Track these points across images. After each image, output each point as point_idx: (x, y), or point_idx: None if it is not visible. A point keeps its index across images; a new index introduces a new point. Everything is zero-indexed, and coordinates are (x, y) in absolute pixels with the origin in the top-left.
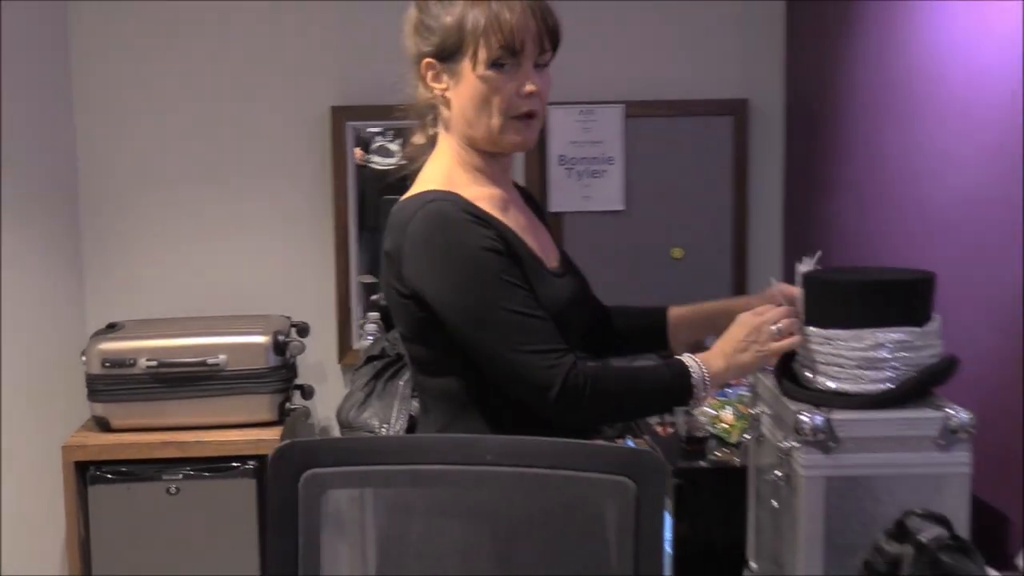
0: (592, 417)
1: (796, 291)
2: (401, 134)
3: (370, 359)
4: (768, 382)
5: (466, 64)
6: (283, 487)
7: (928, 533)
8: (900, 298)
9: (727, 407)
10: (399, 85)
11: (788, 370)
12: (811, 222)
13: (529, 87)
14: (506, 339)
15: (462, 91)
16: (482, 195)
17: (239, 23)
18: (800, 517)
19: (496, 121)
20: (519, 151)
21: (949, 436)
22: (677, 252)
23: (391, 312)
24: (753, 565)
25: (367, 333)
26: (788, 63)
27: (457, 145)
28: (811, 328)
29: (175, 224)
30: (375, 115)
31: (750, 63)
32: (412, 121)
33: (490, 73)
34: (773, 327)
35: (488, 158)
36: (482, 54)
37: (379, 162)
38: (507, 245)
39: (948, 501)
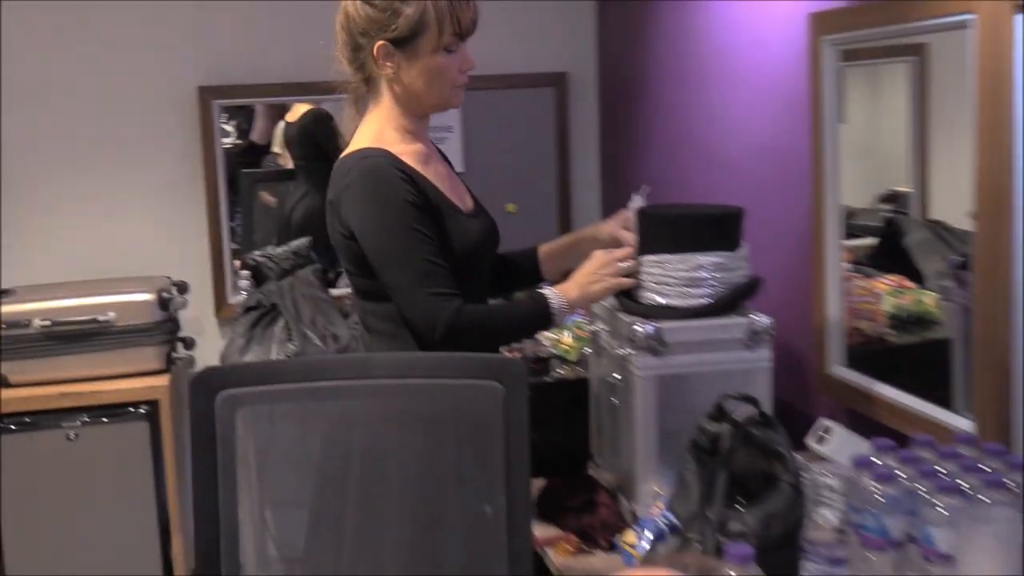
0: (471, 348)
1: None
2: (235, 116)
3: (248, 310)
4: (604, 302)
5: (423, 48)
6: (201, 407)
7: (741, 412)
8: (717, 228)
9: (566, 331)
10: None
11: (623, 291)
12: (624, 178)
13: (468, 64)
14: (409, 280)
15: (416, 69)
16: (408, 151)
17: (111, 10)
18: (636, 411)
19: (447, 92)
20: (455, 108)
21: (754, 338)
22: (511, 207)
23: (336, 251)
24: (597, 460)
25: (241, 289)
26: (600, 39)
27: (390, 111)
28: (643, 255)
29: (60, 197)
30: (238, 94)
31: (568, 39)
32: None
33: (444, 55)
34: (621, 264)
35: (416, 120)
36: (440, 41)
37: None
38: (425, 197)
39: (755, 390)
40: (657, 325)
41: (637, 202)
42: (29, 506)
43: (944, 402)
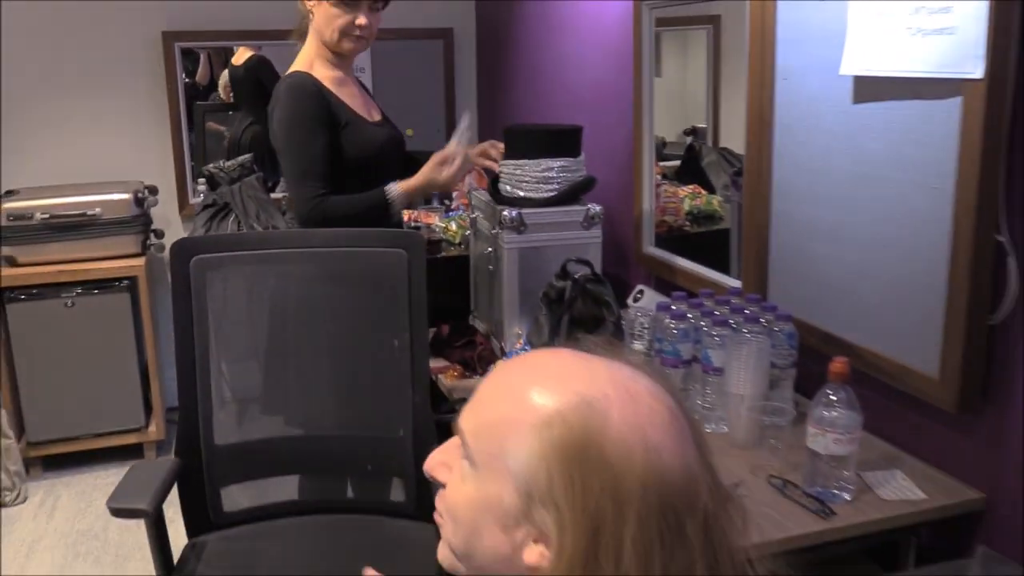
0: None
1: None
2: (184, 59)
3: (205, 207)
4: (481, 196)
5: None
6: (179, 269)
7: (579, 272)
8: (562, 140)
9: (452, 222)
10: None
11: (495, 188)
12: (497, 111)
13: (360, 21)
14: (293, 174)
15: (319, 13)
16: (327, 76)
17: None
18: (504, 275)
19: (336, 37)
20: (350, 55)
21: (590, 221)
22: (409, 131)
23: (276, 152)
24: (475, 313)
25: (199, 192)
26: (479, 1)
27: (315, 44)
28: (509, 160)
29: (53, 117)
30: (196, 38)
31: (453, 2)
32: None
33: (336, 6)
34: (457, 161)
35: (334, 55)
36: None
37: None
38: (331, 110)
39: (590, 258)
40: (519, 211)
41: (464, 122)
42: (37, 358)
43: (722, 269)
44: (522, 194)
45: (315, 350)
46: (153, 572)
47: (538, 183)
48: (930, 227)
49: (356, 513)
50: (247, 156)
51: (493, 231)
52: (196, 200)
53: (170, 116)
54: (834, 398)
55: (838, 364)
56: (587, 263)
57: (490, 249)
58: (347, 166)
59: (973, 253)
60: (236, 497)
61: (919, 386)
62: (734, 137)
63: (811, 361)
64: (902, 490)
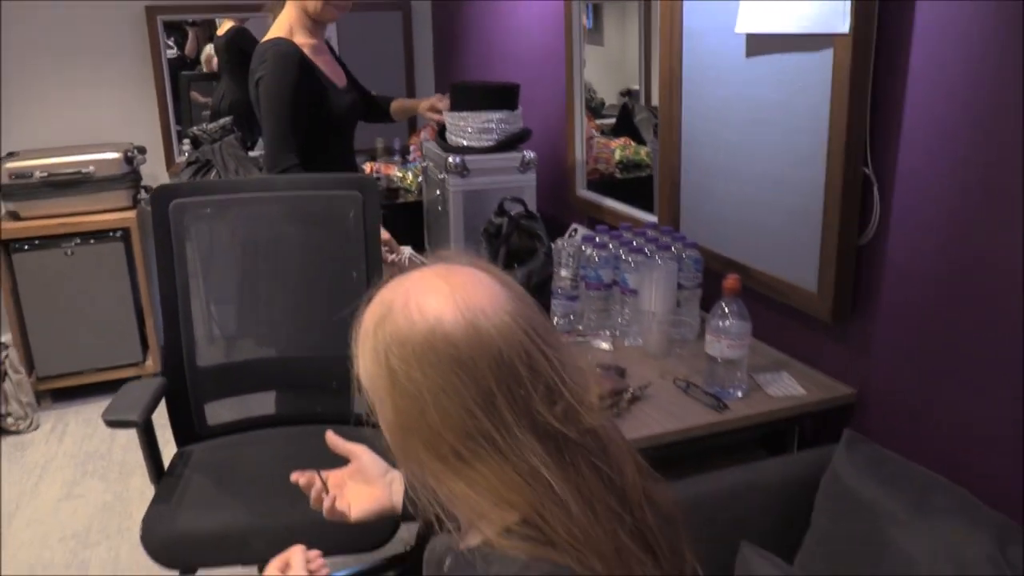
0: None
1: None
2: (172, 33)
3: (189, 164)
4: (432, 147)
5: None
6: (160, 213)
7: (514, 209)
8: (502, 95)
9: (409, 172)
10: None
11: (443, 138)
12: (451, 73)
13: None
14: (273, 141)
15: None
16: (306, 43)
17: None
18: (451, 214)
19: (320, 5)
20: (330, 22)
21: (525, 166)
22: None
23: (256, 114)
24: (427, 246)
25: (184, 151)
26: None
27: (298, 11)
28: (455, 112)
29: (50, 85)
30: (179, 12)
31: None
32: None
33: None
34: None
35: (311, 23)
36: None
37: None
38: (311, 76)
39: (526, 199)
40: (462, 157)
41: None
42: (43, 302)
43: (646, 209)
44: (465, 143)
45: (283, 282)
46: (151, 483)
47: (480, 133)
48: (809, 164)
49: (324, 424)
50: (227, 119)
51: (441, 177)
52: (181, 159)
53: (155, 84)
54: (727, 310)
55: (731, 280)
56: (521, 201)
57: (439, 192)
58: (316, 128)
59: (843, 185)
60: (218, 412)
61: (800, 300)
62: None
63: (716, 284)
64: (787, 388)
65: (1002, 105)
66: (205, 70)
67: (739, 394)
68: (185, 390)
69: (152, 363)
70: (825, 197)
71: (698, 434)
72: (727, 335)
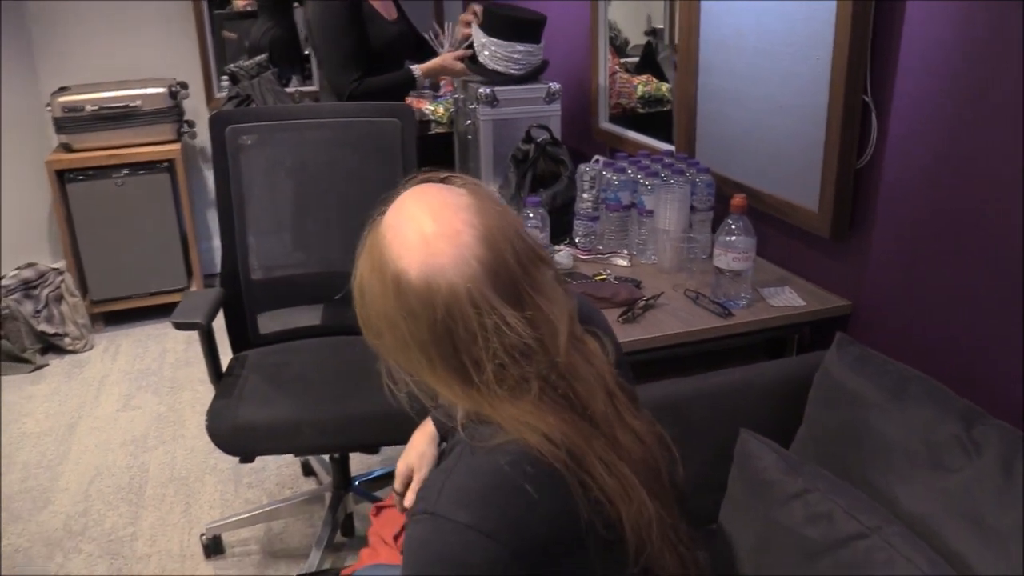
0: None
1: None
2: None
3: (230, 99)
4: (458, 82)
5: None
6: (218, 137)
7: (540, 136)
8: (529, 28)
9: (440, 106)
10: None
11: (474, 62)
12: None
13: None
14: (337, 61)
15: None
16: None
17: None
18: (481, 142)
19: None
20: None
21: (551, 97)
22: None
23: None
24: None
25: (223, 87)
26: None
27: None
28: (490, 37)
29: (96, 26)
30: None
31: None
32: None
33: None
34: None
35: None
36: None
37: None
38: (361, 11)
39: (551, 126)
40: (493, 88)
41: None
42: (95, 231)
43: (662, 138)
44: (491, 66)
45: (328, 201)
46: (202, 398)
47: (506, 61)
48: (813, 91)
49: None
50: (263, 56)
51: (472, 107)
52: (221, 95)
53: (195, 21)
54: (734, 226)
55: (737, 199)
56: (547, 128)
57: (470, 122)
58: (366, 57)
59: (844, 111)
60: (268, 322)
61: (802, 219)
62: None
63: (728, 207)
64: (788, 299)
65: (995, 29)
66: (237, 8)
67: (743, 304)
68: (240, 301)
69: (197, 288)
70: (827, 122)
71: (705, 337)
72: (733, 248)
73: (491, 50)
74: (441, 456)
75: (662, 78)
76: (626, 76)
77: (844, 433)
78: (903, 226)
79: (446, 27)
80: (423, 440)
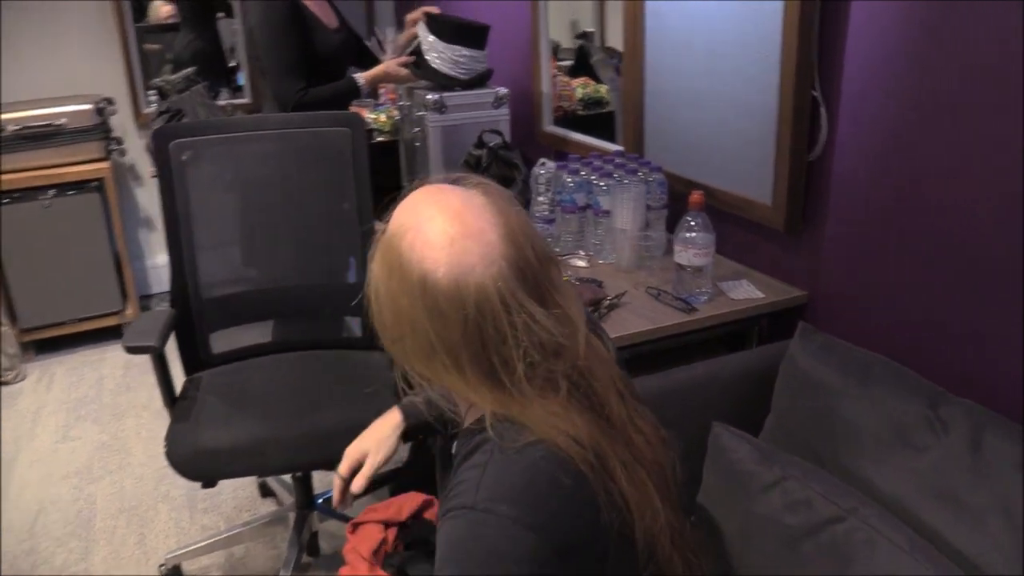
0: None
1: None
2: None
3: (161, 114)
4: (402, 89)
5: None
6: (162, 152)
7: (493, 141)
8: (474, 34)
9: (382, 114)
10: None
11: (417, 67)
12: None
13: None
14: (279, 71)
15: None
16: None
17: None
18: (431, 149)
19: None
20: None
21: (499, 101)
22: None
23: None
24: (405, 184)
25: (151, 102)
26: None
27: None
28: (436, 38)
29: (14, 39)
30: None
31: None
32: None
33: None
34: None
35: None
36: None
37: None
38: (301, 15)
39: (500, 129)
40: (441, 95)
41: (389, 35)
42: (23, 255)
43: (605, 139)
44: (436, 67)
45: (279, 215)
46: (148, 424)
47: (452, 64)
48: (763, 89)
49: (321, 349)
50: (190, 69)
51: (419, 114)
52: (148, 110)
53: (118, 34)
54: (693, 223)
55: (695, 195)
56: (499, 132)
57: (418, 129)
58: (309, 65)
59: (794, 107)
60: (222, 341)
61: (757, 213)
62: (616, 38)
63: (680, 205)
64: (747, 292)
65: (932, 28)
66: (158, 20)
67: (705, 299)
68: (191, 321)
69: (132, 311)
70: (778, 119)
71: (670, 333)
72: (693, 245)
73: (438, 51)
74: (451, 456)
75: (598, 80)
76: (565, 79)
77: (813, 420)
78: (855, 216)
79: (387, 33)
80: (386, 428)
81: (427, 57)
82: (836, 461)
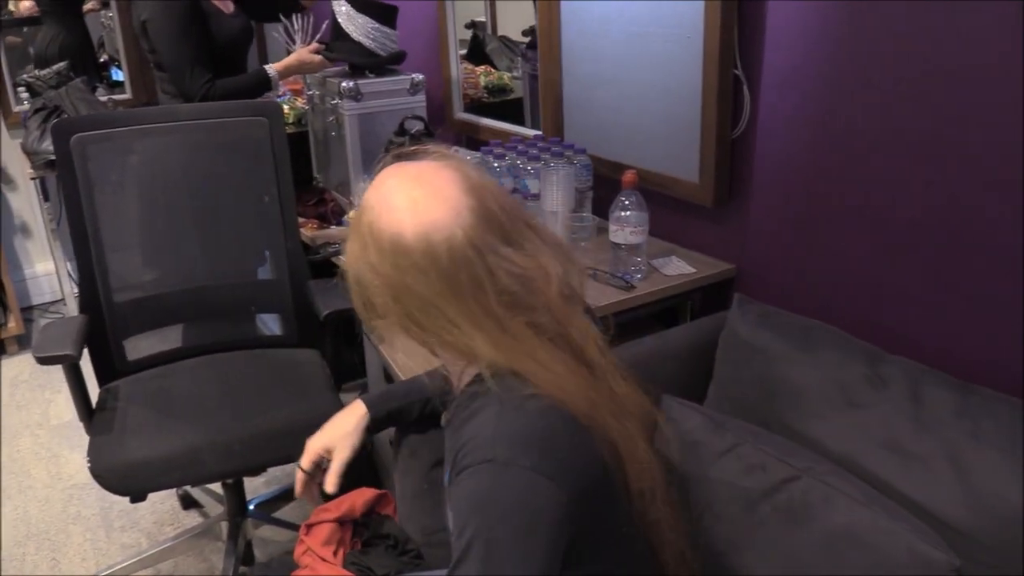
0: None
1: None
2: None
3: (37, 111)
4: (313, 79)
5: None
6: (62, 147)
7: (415, 127)
8: (384, 12)
9: (285, 105)
10: None
11: (329, 49)
12: None
13: None
14: (182, 64)
15: None
16: None
17: None
18: (348, 138)
19: None
20: None
21: (415, 87)
22: None
23: (139, 38)
24: (317, 176)
25: (23, 100)
26: None
27: None
28: (351, 8)
29: None
30: None
31: None
32: None
33: None
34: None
35: None
36: None
37: None
38: (197, 9)
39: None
40: (355, 81)
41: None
42: None
43: (521, 123)
44: (355, 38)
45: (194, 211)
46: (46, 443)
47: (365, 37)
48: (686, 69)
49: (245, 349)
50: (62, 64)
51: (334, 102)
52: (20, 108)
53: None
54: (627, 202)
55: (629, 174)
56: (421, 118)
57: (332, 119)
58: (207, 56)
59: (718, 86)
60: (136, 347)
61: (685, 191)
62: (508, 26)
63: (604, 187)
64: (678, 268)
65: (846, 5)
66: (17, 13)
67: (640, 276)
68: (103, 327)
69: (15, 324)
70: (702, 98)
71: (613, 311)
72: (628, 223)
73: (357, 24)
74: (448, 423)
75: (496, 68)
76: (469, 67)
77: (757, 386)
78: (777, 190)
79: (295, 21)
80: (349, 422)
81: (346, 29)
82: (783, 424)
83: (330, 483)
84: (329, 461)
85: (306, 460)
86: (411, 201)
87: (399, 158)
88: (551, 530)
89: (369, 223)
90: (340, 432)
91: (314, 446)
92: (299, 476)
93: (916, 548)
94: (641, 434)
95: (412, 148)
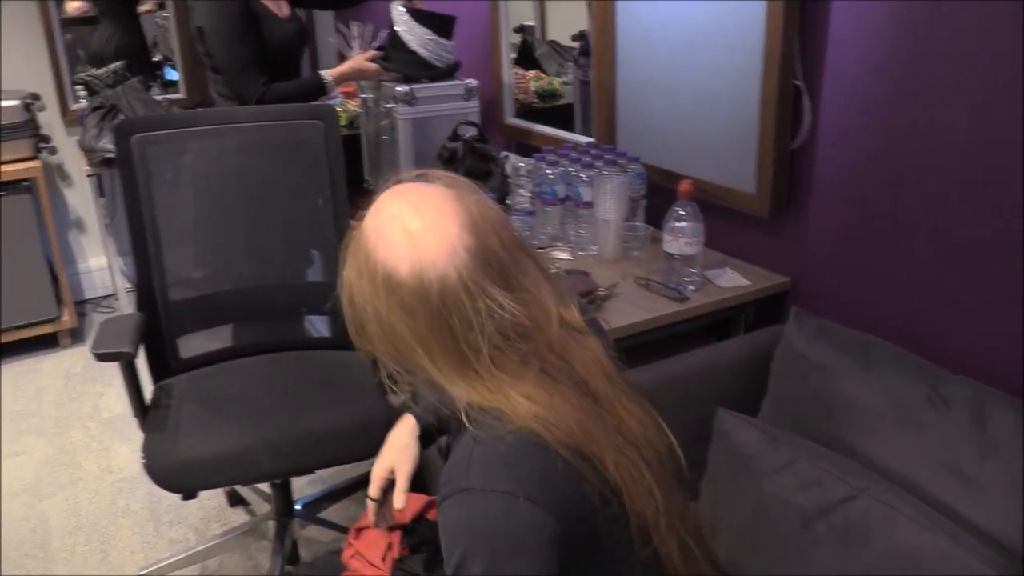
0: None
1: None
2: None
3: (95, 109)
4: (370, 85)
5: None
6: (123, 147)
7: (468, 133)
8: (441, 23)
9: (337, 107)
10: None
11: (386, 59)
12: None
13: None
14: (237, 68)
15: None
16: None
17: None
18: (401, 143)
19: None
20: None
21: (468, 94)
22: None
23: (195, 41)
24: (368, 179)
25: (80, 98)
26: None
27: None
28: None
29: None
30: None
31: None
32: None
33: None
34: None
35: None
36: None
37: None
38: (252, 13)
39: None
40: (410, 86)
41: (355, 31)
42: None
43: (570, 129)
44: (414, 48)
45: (250, 212)
46: (97, 435)
47: (423, 48)
48: (745, 78)
49: (296, 350)
50: (118, 63)
51: (388, 105)
52: (77, 106)
53: (43, 26)
54: (683, 212)
55: (685, 184)
56: (475, 124)
57: (385, 122)
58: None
59: (778, 96)
60: (188, 346)
61: (741, 202)
62: (557, 31)
63: (657, 196)
64: (733, 280)
65: (918, 11)
66: (70, 13)
67: (694, 288)
68: (159, 326)
69: (68, 318)
70: (761, 108)
71: (665, 323)
72: (683, 234)
73: (415, 32)
74: (447, 450)
75: (545, 73)
76: (520, 72)
77: (813, 401)
78: (837, 202)
79: (352, 28)
80: (404, 435)
81: (404, 39)
82: (840, 441)
83: (398, 499)
84: (393, 482)
85: (374, 489)
86: (407, 236)
87: (401, 182)
88: (538, 551)
89: (366, 253)
90: (396, 448)
91: (379, 472)
92: (370, 506)
93: (978, 575)
94: (650, 465)
95: (416, 173)
